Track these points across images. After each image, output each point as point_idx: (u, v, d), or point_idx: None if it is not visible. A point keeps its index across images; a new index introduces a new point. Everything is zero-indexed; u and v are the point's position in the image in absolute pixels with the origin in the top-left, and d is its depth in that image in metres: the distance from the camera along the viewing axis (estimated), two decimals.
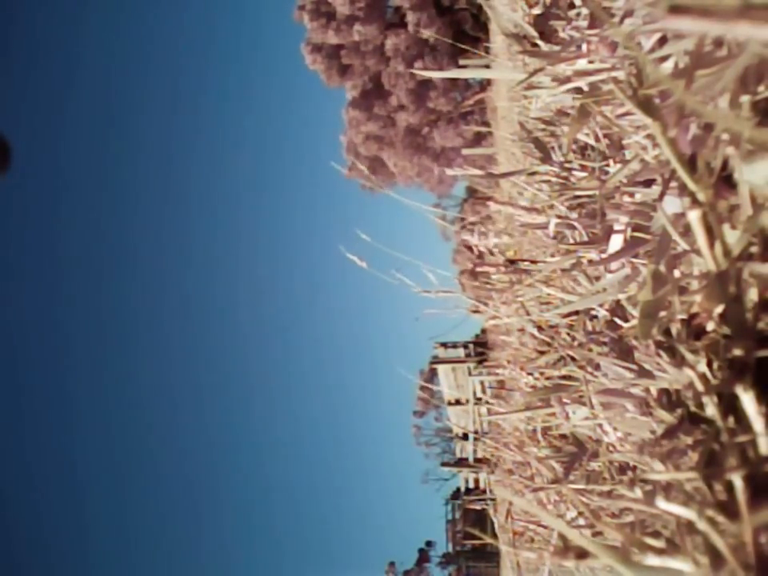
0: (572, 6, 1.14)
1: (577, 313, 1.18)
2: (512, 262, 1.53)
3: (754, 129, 0.58)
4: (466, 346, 12.25)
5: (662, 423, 0.68)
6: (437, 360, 12.53)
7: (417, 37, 17.51)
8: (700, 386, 0.60)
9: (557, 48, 1.01)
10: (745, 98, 0.58)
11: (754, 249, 0.59)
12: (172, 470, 64.87)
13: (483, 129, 14.58)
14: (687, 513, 0.50)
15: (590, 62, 0.90)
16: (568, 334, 1.27)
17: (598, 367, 0.91)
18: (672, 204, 0.66)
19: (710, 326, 0.62)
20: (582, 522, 1.14)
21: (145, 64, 68.07)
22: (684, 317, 0.66)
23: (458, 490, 15.33)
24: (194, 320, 70.90)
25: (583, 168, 1.11)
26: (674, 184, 0.66)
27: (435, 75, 1.30)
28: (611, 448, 0.90)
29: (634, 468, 0.85)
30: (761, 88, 0.58)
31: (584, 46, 0.92)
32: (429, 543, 21.27)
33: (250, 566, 61.43)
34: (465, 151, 16.05)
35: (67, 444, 63.56)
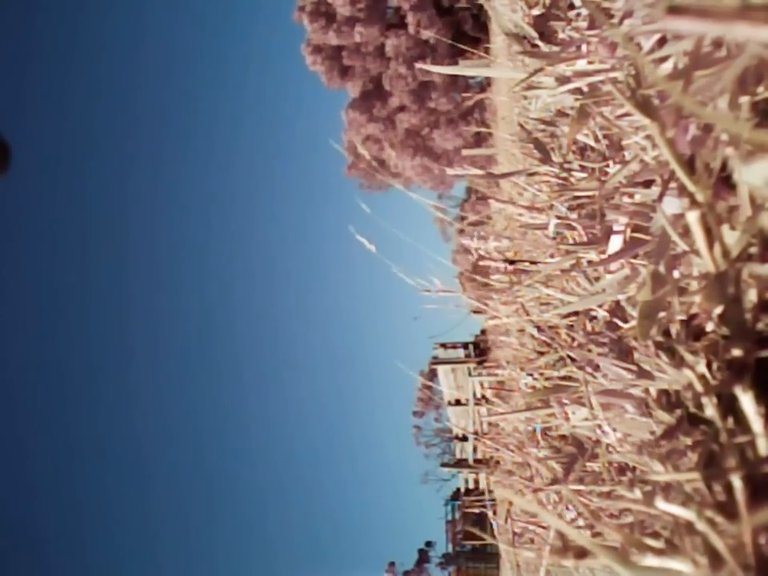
0: (572, 6, 1.14)
1: (576, 313, 1.18)
2: (512, 262, 1.53)
3: (753, 130, 0.58)
4: (465, 347, 12.23)
5: (661, 424, 0.68)
6: (437, 360, 12.51)
7: (417, 38, 17.51)
8: (699, 387, 0.60)
9: (556, 48, 1.01)
10: (744, 99, 0.58)
11: (753, 250, 0.59)
12: (173, 468, 64.85)
13: (483, 129, 14.57)
14: (686, 513, 0.50)
15: (590, 62, 0.90)
16: (568, 335, 1.27)
17: (597, 368, 0.91)
18: (671, 205, 0.66)
19: (710, 327, 0.62)
20: (581, 522, 1.14)
21: (143, 64, 68.08)
22: (683, 317, 0.66)
23: (458, 490, 15.31)
24: (192, 319, 70.90)
25: (583, 168, 1.11)
26: (673, 185, 0.66)
27: (436, 70, 1.31)
28: (611, 449, 0.90)
29: (634, 469, 0.85)
30: (760, 89, 0.58)
31: (584, 47, 0.92)
32: (429, 543, 21.24)
33: (251, 565, 61.45)
34: (465, 152, 16.03)
35: (67, 444, 63.51)
